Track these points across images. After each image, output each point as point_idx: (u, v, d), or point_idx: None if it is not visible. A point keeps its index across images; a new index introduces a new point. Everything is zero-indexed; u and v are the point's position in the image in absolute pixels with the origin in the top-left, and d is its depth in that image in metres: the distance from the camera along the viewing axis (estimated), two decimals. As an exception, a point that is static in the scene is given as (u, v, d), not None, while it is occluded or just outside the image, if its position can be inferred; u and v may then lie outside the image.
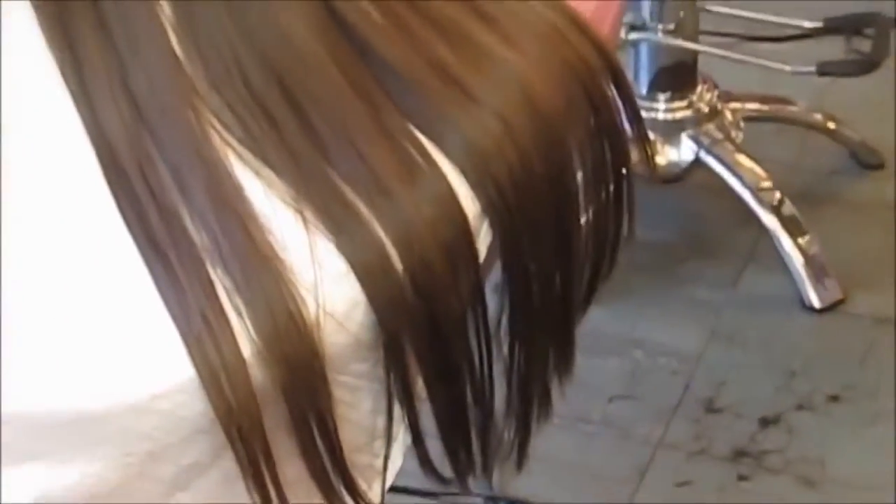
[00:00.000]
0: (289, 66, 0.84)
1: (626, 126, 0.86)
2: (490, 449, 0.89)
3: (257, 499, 0.75)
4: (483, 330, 0.84)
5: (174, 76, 0.82)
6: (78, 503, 0.76)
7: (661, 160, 2.16)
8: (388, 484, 0.86)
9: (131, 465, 0.77)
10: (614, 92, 0.86)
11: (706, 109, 2.32)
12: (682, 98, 2.31)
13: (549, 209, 0.87)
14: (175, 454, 0.78)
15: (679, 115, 2.30)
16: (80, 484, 0.76)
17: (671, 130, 2.28)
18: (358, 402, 0.84)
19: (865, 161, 2.45)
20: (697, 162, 2.28)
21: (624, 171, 0.88)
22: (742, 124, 2.36)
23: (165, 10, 0.81)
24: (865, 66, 2.27)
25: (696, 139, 2.30)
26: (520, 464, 0.90)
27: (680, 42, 2.31)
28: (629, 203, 0.89)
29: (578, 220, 0.90)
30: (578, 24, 0.87)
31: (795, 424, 1.97)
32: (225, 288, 0.76)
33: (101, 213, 0.77)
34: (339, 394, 0.79)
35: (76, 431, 0.76)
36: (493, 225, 0.83)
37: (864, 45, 2.29)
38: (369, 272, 0.78)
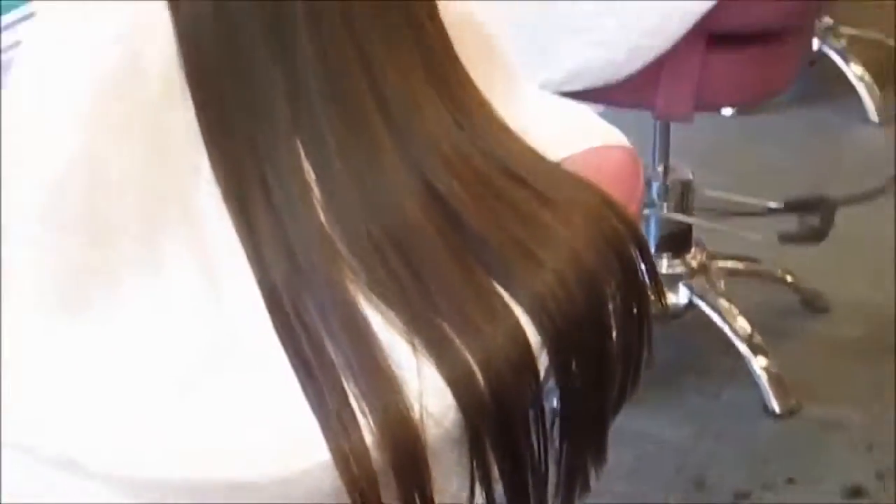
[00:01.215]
0: (404, 234, 1.02)
1: (646, 277, 1.11)
2: None
3: None
4: (541, 430, 1.04)
5: (321, 239, 1.01)
6: None
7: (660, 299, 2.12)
8: None
9: None
10: (638, 254, 1.09)
11: (697, 266, 2.59)
12: (679, 257, 2.59)
13: (591, 338, 1.06)
14: None
15: (677, 269, 2.59)
16: None
17: (671, 281, 2.56)
18: (448, 483, 1.01)
19: (814, 305, 2.73)
20: (691, 304, 2.56)
21: (643, 308, 1.11)
22: (723, 277, 2.64)
23: (315, 189, 1.01)
24: (815, 236, 2.60)
25: (689, 287, 2.58)
26: None
27: (680, 216, 2.58)
28: (648, 332, 1.11)
29: (612, 346, 1.09)
30: (613, 206, 1.09)
31: (761, 500, 2.22)
32: (354, 395, 0.94)
33: (267, 337, 0.97)
34: (435, 475, 0.97)
35: (240, 496, 0.93)
36: (549, 351, 1.02)
37: (814, 221, 2.61)
38: (459, 386, 0.97)
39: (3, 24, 1.60)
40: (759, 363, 2.47)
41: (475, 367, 0.96)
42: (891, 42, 3.63)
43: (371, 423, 0.92)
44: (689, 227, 2.61)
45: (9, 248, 0.98)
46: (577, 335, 1.03)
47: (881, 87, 3.50)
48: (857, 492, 2.21)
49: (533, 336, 0.99)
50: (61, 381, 0.97)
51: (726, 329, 2.52)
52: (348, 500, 0.92)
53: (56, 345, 0.98)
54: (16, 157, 1.00)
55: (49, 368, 0.97)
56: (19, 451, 0.94)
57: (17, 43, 1.26)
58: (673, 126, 2.53)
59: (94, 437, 0.92)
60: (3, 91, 1.06)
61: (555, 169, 1.13)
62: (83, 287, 1.00)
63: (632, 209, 1.17)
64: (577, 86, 2.12)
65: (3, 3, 1.61)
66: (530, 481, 1.04)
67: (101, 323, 0.99)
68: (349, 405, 0.93)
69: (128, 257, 1.00)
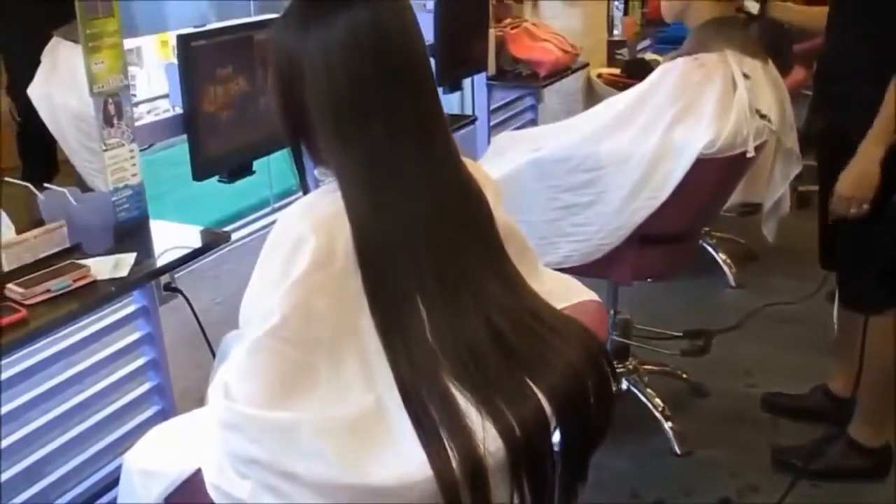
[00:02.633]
0: (476, 350, 1.05)
1: (610, 375, 1.11)
2: None
3: None
4: (551, 461, 1.06)
5: (429, 352, 1.04)
6: None
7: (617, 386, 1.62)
8: None
9: None
10: (605, 362, 1.11)
11: (632, 368, 2.67)
12: (622, 363, 2.66)
13: (580, 408, 1.07)
14: None
15: (621, 370, 2.63)
16: None
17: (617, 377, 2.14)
18: (498, 492, 1.01)
19: (700, 392, 2.73)
20: (629, 390, 2.61)
21: (608, 392, 1.11)
22: (647, 375, 2.68)
23: (426, 324, 1.03)
24: (701, 351, 2.71)
25: (628, 380, 2.64)
26: None
27: (622, 340, 2.67)
28: (610, 404, 1.12)
29: (591, 411, 1.08)
30: (593, 335, 1.12)
31: None
32: (446, 439, 0.98)
33: (399, 408, 1.02)
34: (491, 487, 0.99)
35: (377, 497, 0.96)
36: (556, 416, 1.04)
37: (700, 343, 2.75)
38: (506, 435, 1.00)
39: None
40: (667, 424, 2.54)
41: (515, 425, 1.00)
42: (741, 240, 3.69)
43: (455, 455, 0.97)
44: (627, 346, 2.69)
45: (247, 350, 1.01)
46: (572, 407, 1.05)
47: (737, 266, 3.58)
48: (726, 501, 2.26)
49: (547, 408, 1.03)
50: (288, 427, 0.98)
51: (649, 405, 2.58)
52: (443, 502, 0.96)
53: (279, 411, 0.99)
54: (265, 297, 1.04)
55: (281, 420, 0.99)
56: (271, 471, 0.96)
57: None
58: (620, 288, 2.61)
59: (302, 460, 0.96)
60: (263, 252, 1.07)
61: (560, 314, 1.14)
62: (295, 378, 1.02)
63: (602, 337, 1.17)
64: (566, 265, 2.24)
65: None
66: (546, 492, 1.06)
67: (305, 399, 1.01)
68: (443, 444, 0.97)
69: (322, 359, 1.03)
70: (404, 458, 0.97)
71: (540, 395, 1.02)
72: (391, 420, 1.00)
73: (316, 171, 1.17)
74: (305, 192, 1.15)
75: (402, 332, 1.03)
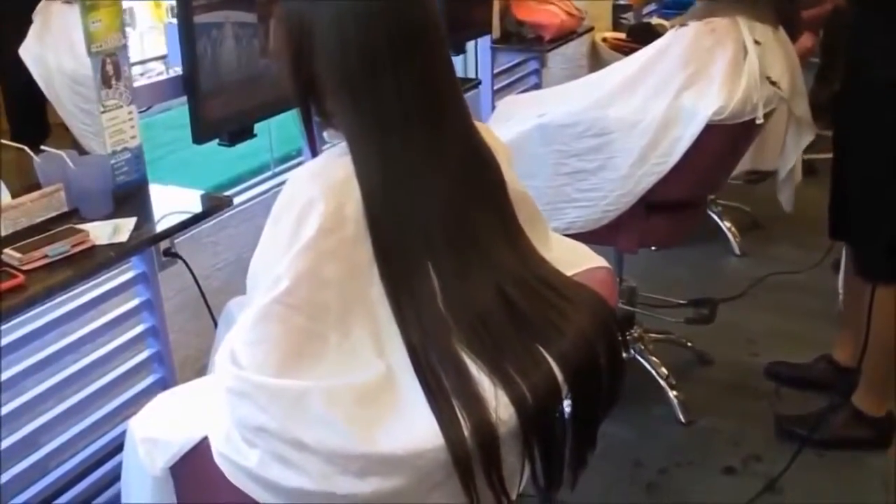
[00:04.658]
0: (487, 317, 1.04)
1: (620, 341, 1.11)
2: (563, 476, 1.09)
3: (468, 499, 0.97)
4: (562, 428, 1.07)
5: (441, 321, 1.03)
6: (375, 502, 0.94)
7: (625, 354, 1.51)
8: (517, 491, 1.08)
9: (408, 484, 0.95)
10: (616, 328, 1.11)
11: (637, 336, 2.63)
12: (627, 331, 2.59)
13: (590, 374, 1.06)
14: (429, 477, 0.97)
15: (629, 338, 2.58)
16: (377, 492, 0.94)
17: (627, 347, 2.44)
18: (509, 459, 1.02)
19: (704, 360, 2.75)
20: (633, 358, 2.58)
21: (619, 358, 1.11)
22: (652, 343, 2.66)
23: (437, 291, 1.03)
24: (706, 320, 2.70)
25: (633, 348, 2.61)
26: (573, 483, 1.10)
27: (628, 308, 2.64)
28: (621, 371, 1.12)
29: (602, 378, 1.09)
30: (603, 302, 1.12)
31: (674, 474, 2.22)
32: (458, 407, 0.97)
33: (410, 374, 1.01)
34: (502, 454, 0.99)
35: (388, 466, 0.95)
36: (567, 382, 1.04)
37: (705, 311, 2.70)
38: (517, 404, 1.00)
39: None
40: (672, 393, 2.53)
41: (527, 393, 1.00)
42: (747, 208, 3.70)
43: (467, 423, 0.97)
44: (633, 314, 2.66)
45: (255, 317, 1.00)
46: (583, 374, 1.05)
47: (741, 234, 3.57)
48: (729, 470, 2.26)
49: (559, 375, 1.03)
50: (297, 396, 0.97)
51: (654, 373, 2.57)
52: (454, 470, 0.96)
53: (288, 378, 0.98)
54: (273, 262, 1.02)
55: (290, 388, 0.98)
56: (280, 440, 0.95)
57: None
58: (625, 255, 2.59)
59: (312, 429, 0.95)
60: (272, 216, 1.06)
61: (571, 281, 1.14)
62: (303, 345, 1.00)
63: (612, 303, 1.16)
64: (572, 231, 2.21)
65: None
66: (556, 459, 1.07)
67: (314, 367, 1.00)
68: (455, 413, 0.97)
69: (331, 326, 1.02)
70: (415, 426, 0.96)
71: (551, 363, 1.01)
72: (401, 388, 0.99)
73: (325, 133, 1.15)
74: (314, 155, 1.14)
75: (412, 299, 1.02)
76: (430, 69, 1.06)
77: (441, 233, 1.03)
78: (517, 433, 0.99)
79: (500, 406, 0.97)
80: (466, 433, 0.94)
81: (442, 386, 0.98)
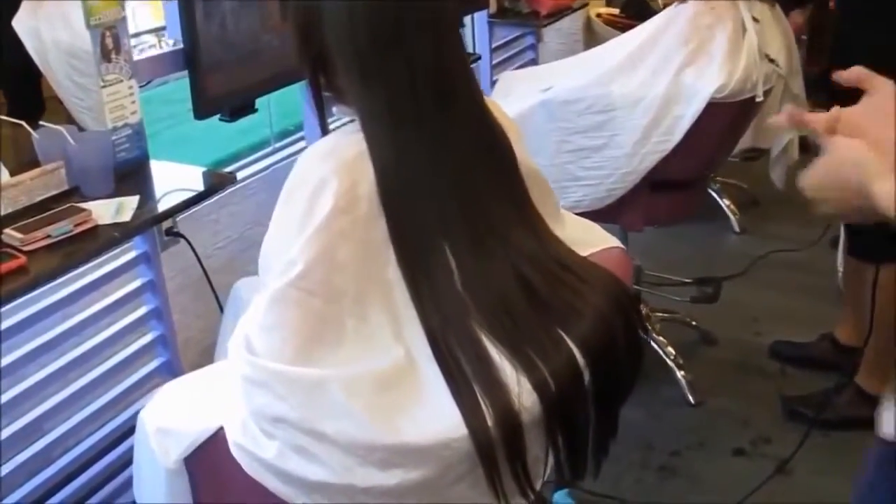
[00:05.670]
0: (507, 300, 1.03)
1: (637, 322, 1.10)
2: (587, 464, 1.07)
3: (492, 490, 0.96)
4: (586, 414, 1.04)
5: (459, 302, 1.02)
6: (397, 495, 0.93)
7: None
8: (541, 481, 1.05)
9: (433, 475, 0.94)
10: (632, 308, 1.10)
11: (644, 314, 2.51)
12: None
13: (610, 357, 1.04)
14: (454, 468, 0.96)
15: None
16: (400, 484, 0.93)
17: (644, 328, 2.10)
18: (533, 447, 1.01)
19: (709, 339, 2.74)
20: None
21: (636, 339, 1.10)
22: (658, 322, 2.67)
23: (455, 273, 1.02)
24: (710, 299, 2.67)
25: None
26: (597, 472, 1.09)
27: (643, 289, 2.65)
28: (639, 352, 1.11)
29: (622, 360, 1.07)
30: (619, 282, 1.11)
31: (684, 456, 2.21)
32: (480, 394, 0.96)
33: (429, 360, 1.00)
34: (526, 442, 0.98)
35: (412, 456, 0.94)
36: (588, 366, 1.02)
37: (709, 290, 2.68)
38: (540, 389, 0.98)
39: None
40: (680, 373, 2.53)
41: (549, 378, 0.99)
42: (745, 185, 3.68)
43: (490, 411, 0.96)
44: (638, 293, 2.61)
45: (269, 301, 0.98)
46: (604, 357, 1.04)
47: (740, 211, 3.56)
48: (739, 452, 2.26)
49: (580, 359, 1.02)
50: (316, 384, 0.96)
51: (661, 352, 2.56)
52: (477, 459, 0.95)
53: (308, 365, 0.97)
54: (286, 245, 1.01)
55: (308, 376, 0.96)
56: (299, 430, 0.94)
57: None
58: (630, 233, 2.56)
59: (332, 419, 0.94)
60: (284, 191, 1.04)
61: (586, 262, 1.14)
62: (320, 331, 0.99)
63: (628, 284, 1.17)
64: (577, 211, 2.13)
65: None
66: (580, 446, 1.06)
67: (331, 353, 0.98)
68: (477, 400, 0.96)
69: (347, 310, 1.01)
70: (437, 414, 0.95)
71: (572, 346, 1.00)
72: (421, 374, 0.98)
73: (335, 109, 1.13)
74: (325, 132, 1.12)
75: (430, 281, 1.00)
76: (441, 47, 1.05)
77: (456, 211, 1.02)
78: (540, 420, 0.98)
79: (522, 392, 0.96)
80: (490, 422, 0.93)
81: (462, 371, 0.96)
